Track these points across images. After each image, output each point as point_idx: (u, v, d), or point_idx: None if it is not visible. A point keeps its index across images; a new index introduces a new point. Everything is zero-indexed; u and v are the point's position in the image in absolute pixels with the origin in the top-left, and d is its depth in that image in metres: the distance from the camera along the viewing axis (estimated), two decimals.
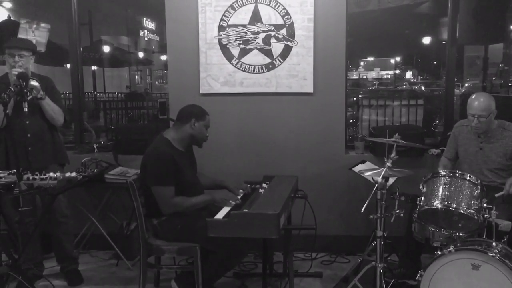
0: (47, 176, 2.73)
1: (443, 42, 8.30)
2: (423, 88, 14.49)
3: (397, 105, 6.34)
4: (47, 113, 3.43)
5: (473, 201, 2.84)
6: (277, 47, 4.13)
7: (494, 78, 9.81)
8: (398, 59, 26.19)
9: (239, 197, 3.30)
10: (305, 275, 3.80)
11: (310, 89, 4.17)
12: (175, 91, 4.22)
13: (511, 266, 2.54)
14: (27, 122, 3.38)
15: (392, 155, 3.13)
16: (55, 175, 2.75)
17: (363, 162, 3.97)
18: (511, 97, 7.43)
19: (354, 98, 8.17)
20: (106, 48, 10.75)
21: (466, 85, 12.07)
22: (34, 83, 3.21)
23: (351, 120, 7.42)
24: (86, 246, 4.28)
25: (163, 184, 3.12)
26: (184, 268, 3.45)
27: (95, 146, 4.45)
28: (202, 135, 3.33)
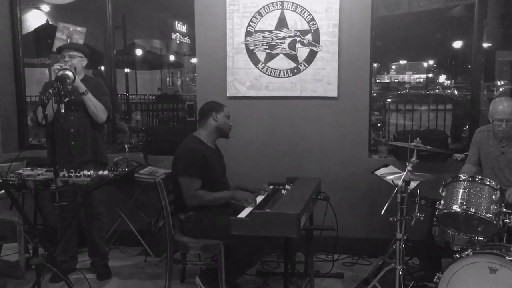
0: (81, 173, 2.91)
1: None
2: (456, 92, 14.26)
3: (424, 109, 6.32)
4: (89, 108, 3.62)
5: (493, 206, 2.86)
6: (302, 52, 4.23)
7: None
8: (431, 62, 25.80)
9: (259, 196, 3.41)
10: (326, 275, 3.87)
11: (334, 93, 4.24)
12: (203, 94, 4.36)
13: None
14: (72, 118, 3.60)
15: (413, 159, 3.18)
16: (89, 173, 2.93)
17: (385, 165, 4.01)
18: None
19: (382, 102, 8.17)
20: (139, 51, 11.05)
21: (501, 89, 11.84)
22: (69, 73, 3.32)
23: (378, 124, 7.42)
24: (116, 242, 4.46)
25: (190, 176, 3.29)
26: (208, 265, 3.58)
27: (126, 146, 4.64)
28: (226, 125, 3.52)
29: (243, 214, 3.08)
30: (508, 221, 2.80)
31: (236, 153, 4.31)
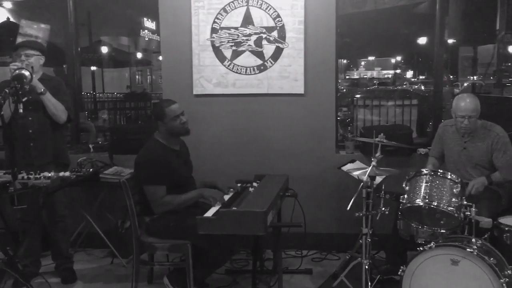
0: (41, 175, 2.82)
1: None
2: (422, 87, 14.56)
3: (391, 105, 6.43)
4: (48, 108, 3.51)
5: (454, 199, 2.93)
6: (268, 49, 4.22)
7: (491, 78, 9.88)
8: (398, 58, 26.27)
9: (227, 195, 3.39)
10: (295, 271, 3.89)
11: (301, 90, 4.25)
12: (169, 92, 4.30)
13: (489, 262, 2.62)
14: (30, 118, 3.49)
15: (377, 154, 3.23)
16: (49, 175, 2.84)
17: (352, 161, 4.05)
18: (505, 97, 7.50)
19: (351, 98, 8.26)
20: (105, 49, 10.84)
21: (465, 84, 12.14)
22: (25, 72, 3.12)
23: (348, 120, 7.51)
24: (82, 244, 4.37)
25: (154, 184, 3.23)
26: (176, 265, 3.55)
27: (90, 146, 4.55)
28: (176, 127, 3.35)
29: (209, 213, 3.06)
30: (469, 213, 2.86)
31: (204, 151, 4.28)
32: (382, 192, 3.22)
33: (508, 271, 2.70)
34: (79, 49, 4.84)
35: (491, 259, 2.65)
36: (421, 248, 2.84)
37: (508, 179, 3.33)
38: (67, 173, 2.94)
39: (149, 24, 16.15)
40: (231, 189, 3.53)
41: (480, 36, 5.11)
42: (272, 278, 3.66)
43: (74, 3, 4.60)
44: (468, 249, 2.68)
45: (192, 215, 3.12)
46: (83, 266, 4.06)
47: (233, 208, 2.98)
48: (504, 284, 2.56)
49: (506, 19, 3.62)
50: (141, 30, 15.78)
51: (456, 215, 2.90)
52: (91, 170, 3.62)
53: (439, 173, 3.08)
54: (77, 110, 4.79)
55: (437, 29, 4.34)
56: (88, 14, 11.00)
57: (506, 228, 2.91)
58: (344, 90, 12.29)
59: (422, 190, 3.02)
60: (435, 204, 2.94)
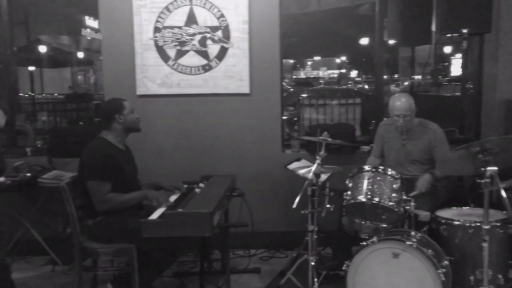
0: None
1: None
2: (366, 86, 14.99)
3: (336, 104, 6.57)
4: None
5: (394, 194, 3.03)
6: (213, 49, 4.20)
7: (429, 77, 10.32)
8: (343, 58, 26.90)
9: (173, 196, 3.34)
10: (243, 271, 3.90)
11: (246, 90, 4.26)
12: (111, 92, 4.17)
13: (427, 253, 2.74)
14: None
15: (321, 152, 3.28)
16: None
17: (298, 160, 4.10)
18: (441, 96, 7.87)
19: (297, 98, 8.37)
20: (43, 48, 10.40)
21: (405, 83, 12.62)
22: None
23: (295, 119, 7.61)
24: (20, 252, 4.16)
25: (99, 179, 3.14)
26: (120, 270, 3.45)
27: (27, 150, 4.34)
28: (133, 120, 3.35)
29: (155, 215, 3.00)
30: (409, 207, 2.97)
31: (149, 153, 4.20)
32: (327, 189, 3.28)
33: (445, 262, 2.83)
34: (15, 48, 4.62)
35: (429, 251, 2.77)
36: (364, 243, 2.92)
37: (444, 173, 3.47)
38: (2, 178, 2.80)
39: (91, 22, 15.61)
40: (177, 190, 3.48)
41: (417, 37, 5.33)
42: (220, 279, 3.65)
43: (8, 0, 4.38)
44: (407, 242, 2.78)
45: (136, 217, 3.04)
46: (22, 275, 3.87)
47: (179, 209, 2.94)
48: (441, 275, 2.68)
49: (440, 21, 3.78)
50: (83, 29, 15.24)
51: (396, 209, 3.00)
52: (28, 174, 3.48)
53: (380, 170, 3.17)
54: (14, 113, 4.57)
55: (377, 30, 4.49)
56: (25, 12, 10.52)
57: (443, 221, 3.04)
58: (291, 89, 12.43)
59: (365, 187, 3.10)
60: (377, 200, 3.03)
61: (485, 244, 2.62)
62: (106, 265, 3.67)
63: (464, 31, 3.72)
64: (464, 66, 3.97)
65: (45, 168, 4.01)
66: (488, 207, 2.63)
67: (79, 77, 17.94)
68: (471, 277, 2.91)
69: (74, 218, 3.15)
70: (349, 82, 18.64)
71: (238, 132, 4.33)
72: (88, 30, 15.48)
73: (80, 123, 7.30)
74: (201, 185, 3.55)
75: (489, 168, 2.58)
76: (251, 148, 4.34)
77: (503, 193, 2.53)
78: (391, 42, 5.95)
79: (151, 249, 3.11)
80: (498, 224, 2.89)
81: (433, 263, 2.71)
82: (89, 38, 15.67)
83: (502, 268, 2.92)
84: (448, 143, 3.58)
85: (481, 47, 4.39)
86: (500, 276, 2.89)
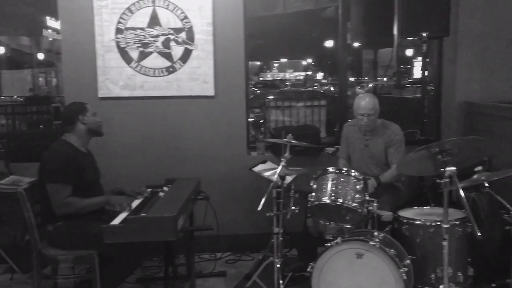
0: None
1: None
2: (332, 88, 15.16)
3: (301, 105, 6.62)
4: None
5: (357, 195, 3.06)
6: (177, 51, 4.16)
7: (394, 79, 10.53)
8: (309, 61, 27.15)
9: (137, 200, 3.28)
10: (209, 275, 3.86)
11: (211, 92, 4.24)
12: (72, 95, 4.07)
13: (390, 253, 2.78)
14: None
15: (286, 154, 3.29)
16: None
17: (264, 162, 4.10)
18: (404, 98, 8.04)
19: (263, 100, 8.38)
20: (1, 50, 10.05)
21: (370, 85, 12.83)
22: None
23: (261, 121, 7.62)
24: None
25: (59, 182, 3.06)
26: (82, 277, 3.36)
27: None
28: (96, 123, 3.31)
29: (116, 220, 2.93)
30: (372, 208, 3.01)
31: (112, 156, 4.12)
32: (292, 191, 3.29)
33: (407, 261, 2.88)
34: None
35: (392, 250, 2.81)
36: (328, 244, 2.94)
37: (403, 173, 3.53)
38: None
39: (53, 23, 15.24)
40: (140, 195, 3.42)
41: (380, 40, 5.44)
42: (185, 284, 3.60)
43: None
44: (371, 242, 2.81)
45: (98, 222, 2.97)
46: None
47: (142, 214, 2.89)
48: (403, 274, 2.72)
49: (401, 24, 3.87)
50: (44, 30, 14.84)
51: (359, 210, 3.03)
52: None
53: (343, 171, 3.20)
54: None
55: (340, 33, 4.54)
56: None
57: (405, 221, 3.09)
58: (258, 91, 12.45)
59: (329, 188, 3.12)
60: (341, 201, 3.05)
61: (445, 243, 2.67)
62: (67, 273, 3.56)
63: (424, 34, 3.81)
64: (424, 69, 4.06)
65: (2, 173, 3.87)
66: (448, 206, 2.69)
67: (40, 79, 17.45)
68: (432, 275, 2.97)
69: (32, 224, 3.05)
70: (315, 84, 18.82)
71: (203, 135, 4.30)
72: (49, 31, 15.10)
73: (40, 126, 7.09)
74: (165, 188, 3.51)
75: (448, 168, 2.63)
76: (216, 150, 4.31)
77: (462, 193, 2.58)
78: (355, 44, 6.05)
79: (113, 255, 3.04)
80: (457, 223, 2.96)
81: (395, 262, 2.75)
82: (50, 39, 15.29)
83: (461, 266, 2.99)
84: (405, 147, 3.63)
85: (440, 50, 4.51)
86: (459, 274, 2.96)
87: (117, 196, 3.32)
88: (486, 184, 3.02)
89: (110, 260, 3.07)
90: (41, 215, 3.15)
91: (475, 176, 2.99)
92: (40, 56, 14.11)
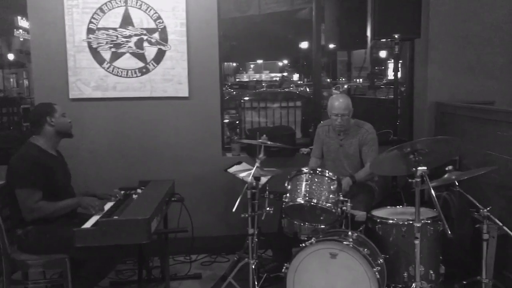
0: None
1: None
2: (307, 89, 15.25)
3: (277, 106, 6.64)
4: None
5: (331, 195, 3.08)
6: (150, 51, 4.11)
7: (376, 80, 10.66)
8: (285, 62, 27.29)
9: (110, 203, 3.23)
10: (184, 277, 3.83)
11: (185, 93, 4.20)
12: (42, 96, 3.98)
13: (363, 252, 2.80)
14: None
15: (260, 155, 3.29)
16: None
17: (239, 163, 4.10)
18: (377, 98, 8.16)
19: (238, 101, 8.37)
20: None
21: (345, 86, 12.98)
22: None
23: (237, 122, 7.61)
24: None
25: (28, 187, 2.99)
26: (53, 282, 3.28)
27: None
28: (65, 124, 3.25)
29: (88, 223, 2.89)
30: (346, 208, 3.03)
31: (84, 159, 4.05)
32: (267, 192, 3.29)
33: (380, 260, 2.91)
34: None
35: (365, 250, 2.84)
36: (303, 244, 2.94)
37: (376, 173, 3.57)
38: None
39: (24, 23, 14.94)
40: (113, 197, 3.36)
41: (354, 41, 5.50)
42: (160, 287, 3.56)
43: None
44: (344, 242, 2.83)
45: (69, 226, 2.92)
46: None
47: (114, 217, 2.85)
48: (376, 273, 2.75)
49: (374, 26, 3.92)
50: (15, 30, 14.52)
51: (334, 210, 3.05)
52: None
53: (317, 172, 3.21)
54: None
55: (315, 35, 4.57)
56: None
57: (378, 220, 3.12)
58: (234, 92, 12.44)
59: (303, 189, 3.13)
60: (315, 201, 3.06)
61: (417, 241, 2.71)
62: (38, 278, 3.48)
63: (396, 36, 3.86)
64: (396, 70, 4.12)
65: None
66: (420, 205, 2.73)
67: (11, 80, 17.04)
68: (405, 274, 3.01)
69: (1, 228, 2.97)
70: (291, 85, 18.91)
71: (177, 136, 4.26)
72: (20, 31, 14.78)
73: (11, 128, 6.92)
74: (139, 190, 3.47)
75: (419, 168, 2.67)
76: (191, 152, 4.29)
77: (433, 192, 2.62)
78: (330, 46, 6.11)
79: (85, 259, 2.99)
80: (429, 221, 3.01)
81: (368, 261, 2.77)
82: (21, 39, 14.96)
83: (433, 264, 3.04)
84: (378, 146, 3.67)
85: (412, 52, 4.58)
86: (431, 272, 3.01)
87: (89, 197, 3.26)
88: (457, 183, 3.09)
89: (82, 264, 3.01)
90: (10, 219, 3.08)
91: (446, 176, 3.05)
92: (11, 56, 13.77)
